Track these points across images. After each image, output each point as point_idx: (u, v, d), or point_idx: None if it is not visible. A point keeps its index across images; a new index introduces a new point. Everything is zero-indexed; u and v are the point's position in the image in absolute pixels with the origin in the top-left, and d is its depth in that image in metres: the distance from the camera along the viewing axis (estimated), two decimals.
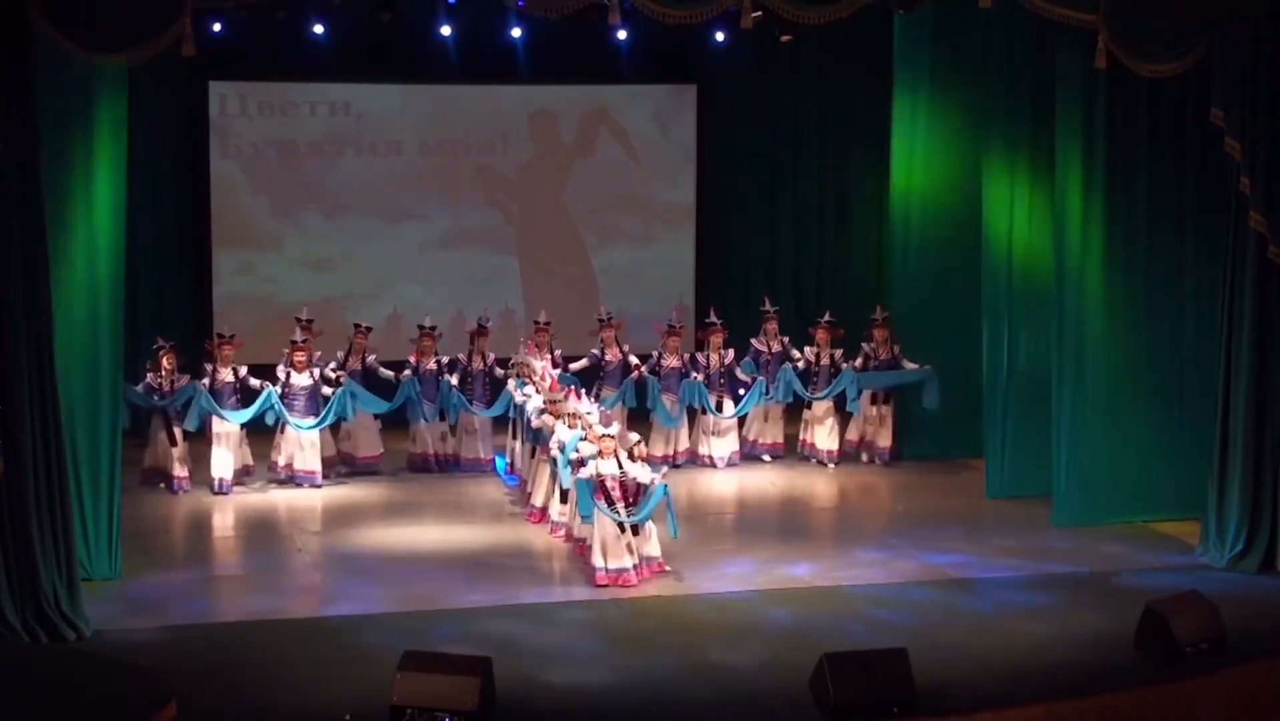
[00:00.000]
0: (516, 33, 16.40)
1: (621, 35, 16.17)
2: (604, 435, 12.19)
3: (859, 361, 15.64)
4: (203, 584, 12.14)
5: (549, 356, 15.18)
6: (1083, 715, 9.62)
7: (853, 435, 15.91)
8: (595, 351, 15.70)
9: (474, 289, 17.65)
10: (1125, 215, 13.25)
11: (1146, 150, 13.18)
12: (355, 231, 17.74)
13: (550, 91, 17.99)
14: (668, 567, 12.13)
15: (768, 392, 15.61)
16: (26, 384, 10.47)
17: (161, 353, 14.45)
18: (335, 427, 15.10)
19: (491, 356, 15.62)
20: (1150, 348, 13.47)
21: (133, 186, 11.98)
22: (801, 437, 15.99)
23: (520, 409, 14.56)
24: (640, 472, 11.97)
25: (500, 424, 15.54)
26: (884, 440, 15.80)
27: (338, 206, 17.67)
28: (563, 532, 12.94)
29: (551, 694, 9.76)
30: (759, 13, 12.02)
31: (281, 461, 14.77)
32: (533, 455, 14.04)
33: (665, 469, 12.91)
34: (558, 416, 13.32)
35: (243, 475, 14.68)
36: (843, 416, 15.88)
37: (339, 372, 14.89)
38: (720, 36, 16.70)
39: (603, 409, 14.00)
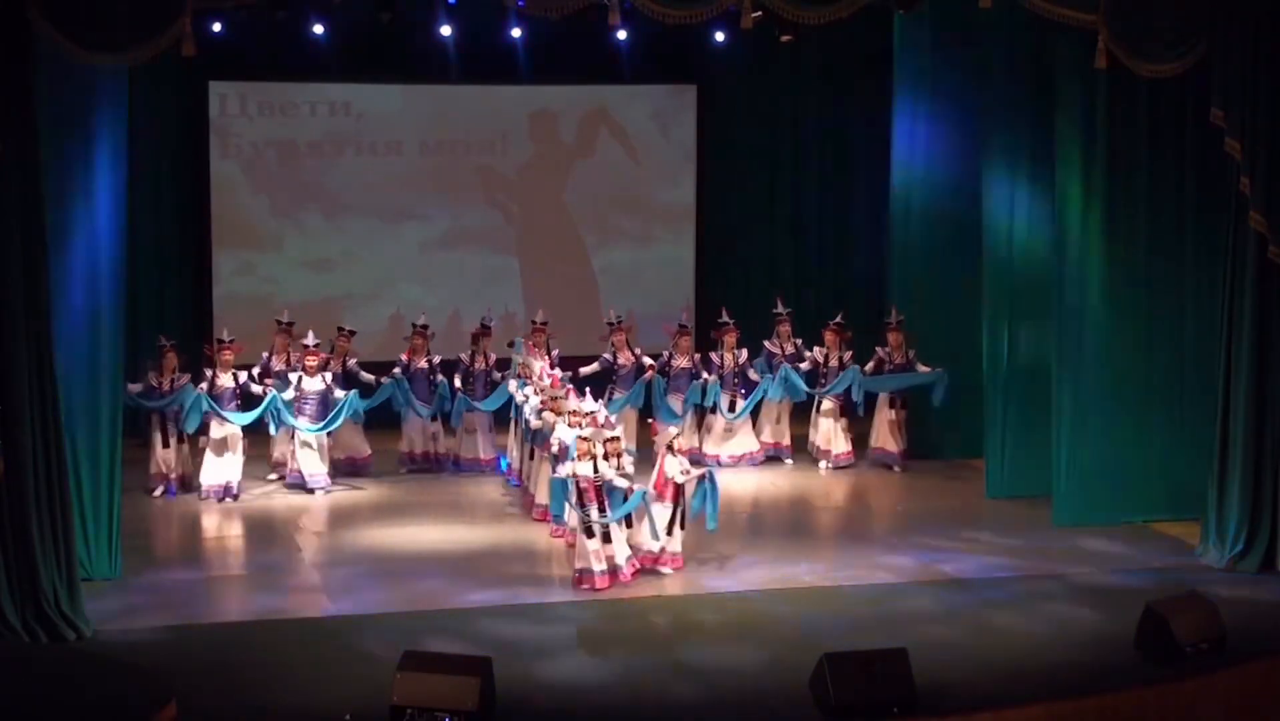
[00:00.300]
0: (516, 33, 16.41)
1: (621, 35, 16.18)
2: (611, 437, 12.16)
3: (871, 366, 15.56)
4: (203, 584, 12.14)
5: (547, 356, 15.17)
6: (1083, 715, 9.62)
7: (875, 442, 15.76)
8: (607, 355, 15.65)
9: (474, 289, 17.67)
10: (1125, 215, 13.25)
11: (1146, 150, 13.18)
12: (355, 231, 17.75)
13: (550, 91, 18.00)
14: (666, 570, 12.14)
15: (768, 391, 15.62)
16: (26, 384, 10.46)
17: (164, 352, 14.39)
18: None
19: (494, 357, 15.62)
20: (1150, 347, 13.47)
21: (133, 186, 11.98)
22: (810, 439, 15.98)
23: (519, 409, 14.55)
24: (616, 477, 11.95)
25: (501, 424, 15.53)
26: (896, 444, 15.68)
27: (338, 206, 17.68)
28: (563, 532, 12.92)
29: (551, 694, 9.76)
30: (759, 13, 12.02)
31: (290, 466, 14.73)
32: (532, 456, 14.04)
33: (708, 468, 12.90)
34: (558, 413, 13.31)
35: (224, 491, 14.32)
36: (850, 420, 15.78)
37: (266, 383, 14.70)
38: (720, 36, 16.71)
39: (606, 412, 13.92)
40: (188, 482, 14.59)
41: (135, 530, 12.91)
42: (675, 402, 15.48)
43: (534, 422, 13.78)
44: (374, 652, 10.28)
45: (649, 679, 10.02)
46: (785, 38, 15.86)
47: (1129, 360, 13.43)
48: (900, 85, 16.03)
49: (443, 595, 11.72)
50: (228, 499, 14.25)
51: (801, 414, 16.18)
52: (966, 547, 13.00)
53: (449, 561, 12.57)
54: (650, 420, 15.21)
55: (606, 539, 11.82)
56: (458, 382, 15.40)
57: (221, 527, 13.71)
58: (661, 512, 12.14)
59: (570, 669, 10.23)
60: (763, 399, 15.80)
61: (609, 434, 12.24)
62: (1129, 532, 13.31)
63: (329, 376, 14.67)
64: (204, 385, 14.28)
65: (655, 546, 12.12)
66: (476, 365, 15.52)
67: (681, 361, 15.64)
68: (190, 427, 14.34)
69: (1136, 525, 13.47)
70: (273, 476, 15.04)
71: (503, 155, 18.09)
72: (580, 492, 11.84)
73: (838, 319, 15.79)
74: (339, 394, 14.56)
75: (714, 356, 15.73)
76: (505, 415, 15.27)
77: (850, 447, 15.77)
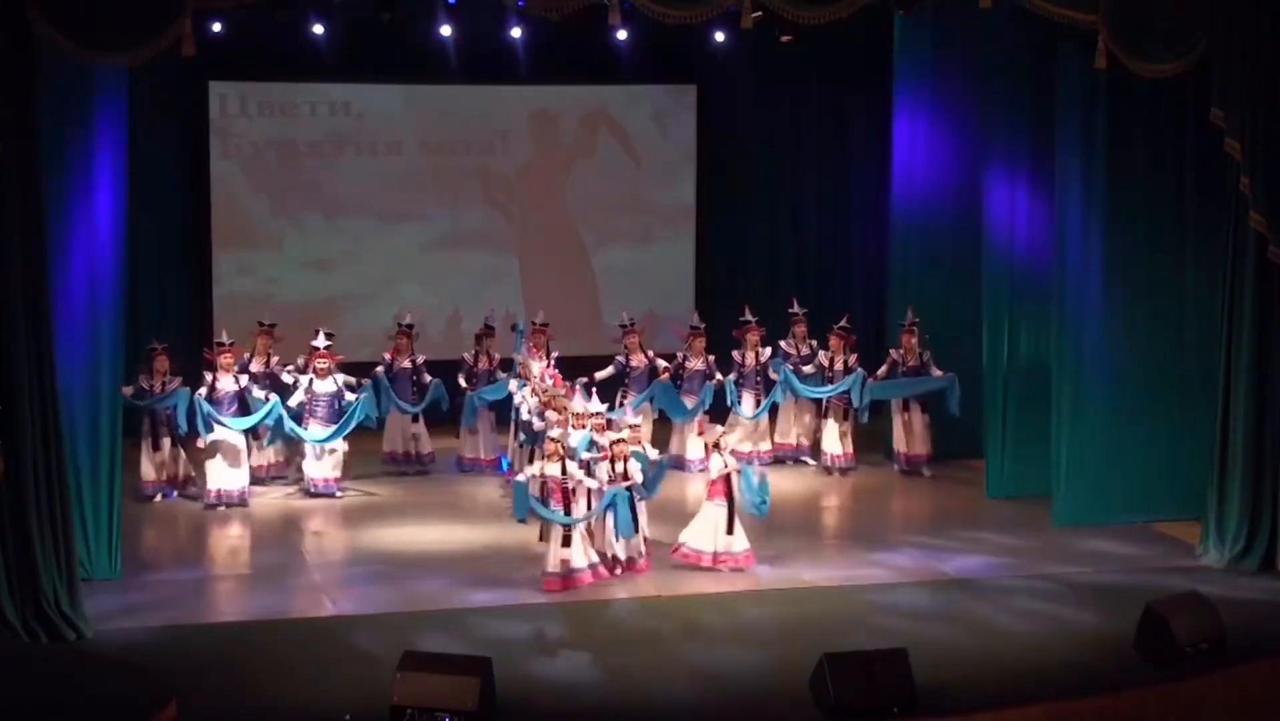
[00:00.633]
0: (516, 33, 16.40)
1: (621, 35, 16.17)
2: (618, 439, 12.16)
3: (884, 369, 15.51)
4: (203, 584, 12.14)
5: (546, 358, 15.14)
6: (1082, 715, 9.62)
7: (902, 448, 15.61)
8: (620, 359, 15.61)
9: (474, 289, 17.67)
10: (1125, 215, 13.24)
11: (1146, 150, 13.18)
12: (355, 231, 17.74)
13: (550, 91, 17.99)
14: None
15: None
16: (26, 383, 10.46)
17: (155, 355, 14.24)
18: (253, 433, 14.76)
19: (497, 357, 15.61)
20: (1150, 347, 13.46)
21: (133, 186, 11.96)
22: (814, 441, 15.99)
23: (518, 410, 14.53)
24: (587, 479, 11.97)
25: (503, 424, 15.52)
26: (918, 447, 15.51)
27: (338, 206, 17.67)
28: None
29: (551, 694, 9.76)
30: (759, 13, 12.03)
31: (306, 475, 14.66)
32: (531, 458, 14.00)
33: (757, 464, 12.91)
34: (560, 412, 13.30)
35: (231, 498, 14.16)
36: (856, 424, 15.66)
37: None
38: (720, 36, 16.69)
39: (624, 413, 13.89)
40: (184, 485, 14.45)
41: (135, 530, 12.91)
42: (688, 402, 15.42)
43: (536, 424, 13.76)
44: (374, 652, 10.28)
45: (649, 679, 10.02)
46: (785, 38, 15.87)
47: (1129, 360, 13.42)
48: (900, 85, 16.02)
49: (443, 595, 11.72)
50: (235, 505, 14.08)
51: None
52: (966, 547, 13.00)
53: (449, 561, 12.57)
54: (699, 419, 15.03)
55: (566, 542, 11.76)
56: (462, 382, 15.39)
57: (222, 528, 13.70)
58: (716, 512, 12.15)
59: (570, 669, 10.23)
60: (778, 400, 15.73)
61: (614, 435, 12.25)
62: (1129, 532, 13.31)
63: (341, 379, 14.60)
64: (203, 390, 14.08)
65: (622, 551, 12.09)
66: (480, 365, 15.51)
67: (696, 363, 15.59)
68: (184, 428, 14.11)
69: (1136, 525, 13.46)
70: (272, 479, 15.01)
71: (503, 155, 18.09)
72: (547, 494, 11.81)
73: (843, 322, 15.71)
74: (350, 396, 14.48)
75: (736, 355, 15.69)
76: (507, 415, 15.27)
77: (852, 450, 15.69)
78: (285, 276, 17.54)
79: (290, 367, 14.90)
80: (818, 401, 15.75)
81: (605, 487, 11.94)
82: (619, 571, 12.08)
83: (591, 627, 11.08)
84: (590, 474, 12.04)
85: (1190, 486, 13.03)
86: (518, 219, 18.26)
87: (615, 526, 11.97)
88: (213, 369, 14.39)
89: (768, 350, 15.69)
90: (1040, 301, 13.95)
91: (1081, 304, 13.30)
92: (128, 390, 13.88)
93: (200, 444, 14.14)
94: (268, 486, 14.83)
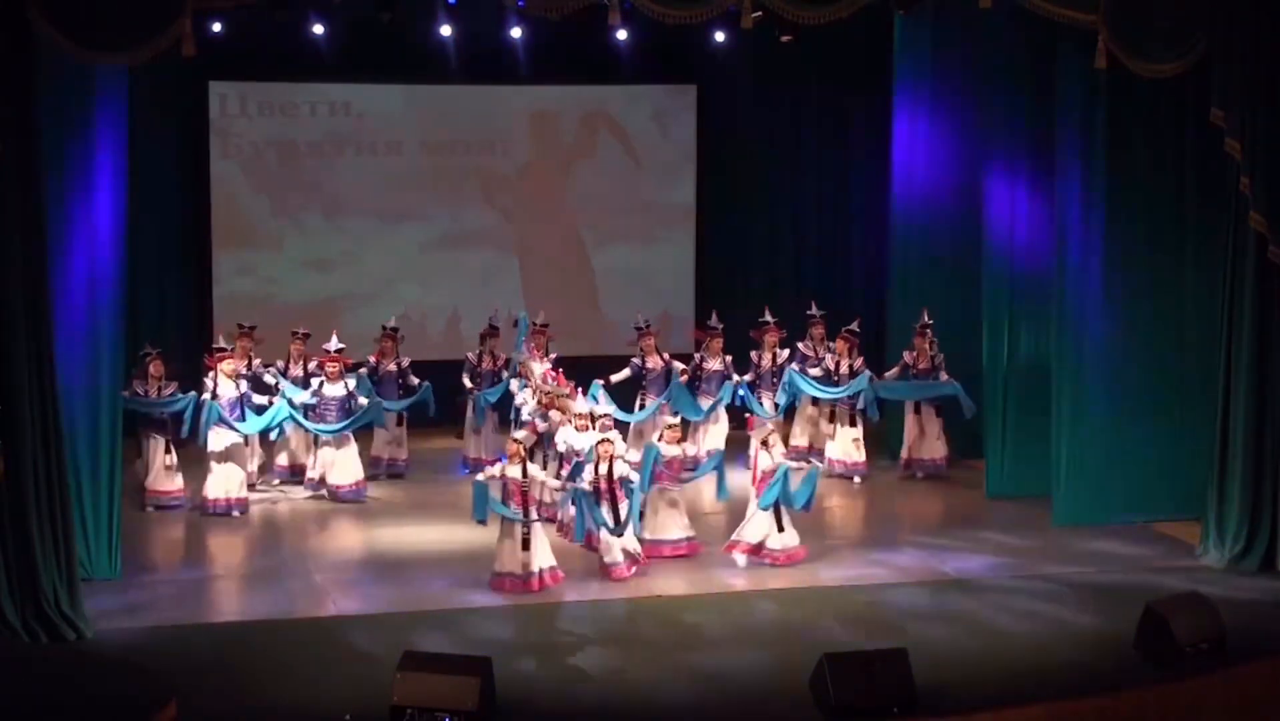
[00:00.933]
0: (516, 33, 16.41)
1: (621, 35, 16.17)
2: (671, 425, 12.66)
3: (895, 371, 15.47)
4: (203, 584, 12.15)
5: (546, 359, 15.12)
6: (1082, 715, 9.62)
7: (918, 453, 15.50)
8: (636, 361, 15.54)
9: (474, 289, 17.67)
10: (1125, 215, 13.24)
11: (1146, 150, 13.18)
12: (355, 231, 17.74)
13: (550, 91, 18.00)
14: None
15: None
16: (26, 383, 10.47)
17: (149, 359, 14.06)
18: (264, 435, 14.71)
19: (501, 357, 15.59)
20: (1150, 347, 13.46)
21: (133, 186, 11.97)
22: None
23: (518, 411, 14.53)
24: (550, 479, 12.09)
25: (505, 425, 15.50)
26: (931, 451, 15.40)
27: (338, 206, 17.68)
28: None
29: (551, 694, 9.76)
30: (759, 13, 12.03)
31: (315, 476, 14.61)
32: (531, 458, 13.97)
33: (814, 461, 12.91)
34: (563, 411, 13.29)
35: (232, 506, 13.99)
36: (864, 426, 15.55)
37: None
38: (720, 36, 16.69)
39: (635, 417, 13.94)
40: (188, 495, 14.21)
41: (135, 530, 12.90)
42: (705, 403, 15.37)
43: (540, 425, 13.75)
44: (374, 652, 10.28)
45: (649, 679, 10.02)
46: (785, 38, 15.86)
47: (1129, 360, 13.42)
48: (900, 85, 16.02)
49: (443, 595, 11.73)
50: (235, 512, 13.88)
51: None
52: (966, 547, 13.01)
53: (449, 561, 12.57)
54: (747, 416, 14.97)
55: (525, 545, 11.73)
56: (467, 382, 15.39)
57: (222, 528, 13.69)
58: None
59: (570, 669, 10.23)
60: (794, 402, 15.66)
61: (599, 436, 12.29)
62: (1129, 532, 13.30)
63: (351, 382, 14.54)
64: (206, 396, 13.87)
65: (618, 553, 12.07)
66: (484, 365, 15.51)
67: (714, 364, 15.54)
68: (186, 432, 13.97)
69: (1136, 525, 13.46)
70: (274, 480, 14.99)
71: (503, 155, 18.09)
72: (507, 496, 11.80)
73: (853, 326, 15.61)
74: (362, 400, 14.41)
75: (753, 356, 15.66)
76: (509, 416, 15.25)
77: (865, 458, 15.52)
78: (285, 276, 17.55)
79: (272, 369, 14.85)
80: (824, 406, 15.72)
81: (565, 489, 12.08)
82: (634, 570, 12.09)
83: (591, 628, 11.08)
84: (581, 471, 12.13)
85: (1190, 486, 13.03)
86: (518, 219, 18.26)
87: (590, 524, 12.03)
88: (212, 374, 14.11)
89: (785, 351, 15.66)
90: (1040, 301, 13.95)
91: (1081, 304, 13.29)
92: (125, 394, 13.87)
93: (210, 448, 13.91)
94: (265, 491, 14.82)
